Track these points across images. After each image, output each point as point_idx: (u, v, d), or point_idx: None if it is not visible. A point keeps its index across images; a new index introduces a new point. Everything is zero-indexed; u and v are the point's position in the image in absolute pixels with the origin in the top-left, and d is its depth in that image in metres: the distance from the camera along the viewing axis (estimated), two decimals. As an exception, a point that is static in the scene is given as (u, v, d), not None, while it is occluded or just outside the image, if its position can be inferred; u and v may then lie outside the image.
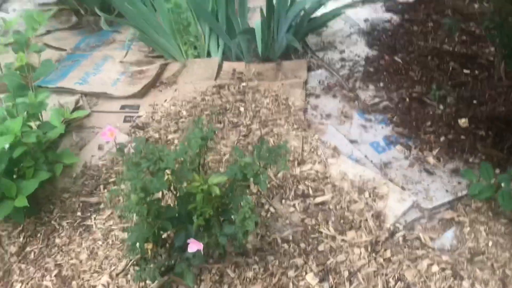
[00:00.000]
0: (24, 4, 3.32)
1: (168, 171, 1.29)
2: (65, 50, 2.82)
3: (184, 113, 2.20)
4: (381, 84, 2.34)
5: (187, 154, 1.34)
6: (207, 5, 2.46)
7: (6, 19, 2.39)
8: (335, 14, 2.61)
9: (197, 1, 2.41)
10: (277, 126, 2.09)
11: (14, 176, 1.77)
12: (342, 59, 2.56)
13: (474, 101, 2.18)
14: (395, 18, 2.85)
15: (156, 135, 2.10)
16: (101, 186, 1.91)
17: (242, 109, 2.20)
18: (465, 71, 2.37)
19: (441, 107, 2.16)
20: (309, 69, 2.51)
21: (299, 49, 2.47)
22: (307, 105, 2.25)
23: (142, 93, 2.39)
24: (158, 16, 2.57)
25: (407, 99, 2.22)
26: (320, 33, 2.79)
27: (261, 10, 2.29)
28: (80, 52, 2.78)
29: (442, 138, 2.00)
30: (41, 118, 1.99)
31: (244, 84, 2.38)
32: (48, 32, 3.01)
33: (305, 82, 2.39)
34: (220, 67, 2.53)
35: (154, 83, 2.48)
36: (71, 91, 2.42)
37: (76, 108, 2.29)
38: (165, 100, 2.34)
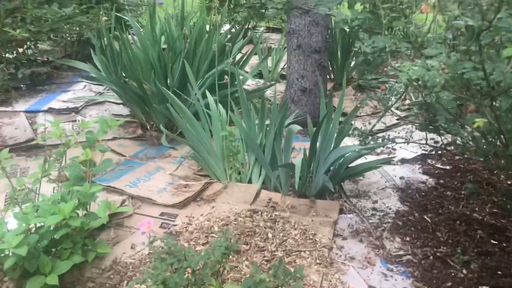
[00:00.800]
0: (100, 111, 3.77)
1: (189, 270, 1.40)
2: (124, 156, 3.13)
3: (216, 228, 2.35)
4: (408, 238, 2.41)
5: (209, 259, 1.46)
6: (257, 138, 2.73)
7: (84, 121, 2.76)
8: (372, 167, 2.81)
9: (248, 133, 2.69)
10: (301, 258, 2.18)
11: (50, 256, 1.93)
12: (374, 209, 2.68)
13: (499, 272, 2.19)
14: (430, 181, 3.00)
15: (186, 244, 2.23)
16: (125, 282, 2.01)
17: (270, 235, 2.32)
18: (493, 241, 2.41)
19: (464, 271, 2.19)
20: (341, 211, 2.64)
21: (333, 192, 2.63)
22: (333, 244, 2.34)
23: (182, 205, 2.58)
24: (212, 140, 2.86)
25: (431, 257, 2.27)
26: (357, 181, 2.97)
27: (305, 150, 2.54)
28: (137, 160, 3.07)
29: (461, 302, 2.00)
30: (88, 208, 2.19)
31: (276, 213, 2.53)
32: (114, 138, 3.37)
33: (335, 223, 2.51)
34: (257, 194, 2.71)
35: (195, 198, 2.68)
36: (120, 192, 2.65)
37: (121, 206, 2.49)
38: (201, 215, 2.50)
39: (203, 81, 3.35)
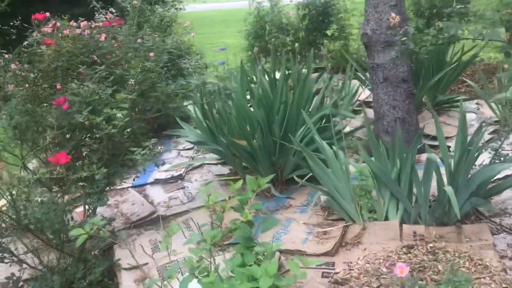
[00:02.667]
0: (203, 174, 3.86)
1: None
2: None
3: (384, 269, 2.34)
4: None
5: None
6: (391, 173, 2.75)
7: (202, 189, 2.81)
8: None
9: (382, 169, 2.71)
10: (484, 285, 2.14)
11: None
12: (523, 224, 2.64)
13: None
14: None
15: (362, 290, 2.22)
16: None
17: (440, 267, 2.30)
18: None
19: None
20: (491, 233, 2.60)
21: (471, 214, 2.62)
22: (505, 266, 2.30)
23: (334, 251, 2.58)
24: (341, 181, 2.89)
25: None
26: (488, 200, 2.94)
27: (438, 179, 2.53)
28: (262, 215, 3.10)
29: None
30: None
31: (431, 245, 2.51)
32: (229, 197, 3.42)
33: (494, 245, 2.47)
34: (400, 229, 2.70)
35: (341, 243, 2.68)
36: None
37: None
38: (358, 258, 2.50)
39: (305, 128, 3.41)
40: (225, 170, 3.92)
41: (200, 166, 4.01)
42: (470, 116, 4.56)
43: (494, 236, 2.58)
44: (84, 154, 2.52)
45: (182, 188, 3.67)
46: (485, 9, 6.72)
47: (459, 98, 4.78)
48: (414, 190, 2.74)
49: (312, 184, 2.97)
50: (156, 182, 3.78)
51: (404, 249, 2.50)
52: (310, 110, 3.59)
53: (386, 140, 3.83)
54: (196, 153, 4.34)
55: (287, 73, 3.72)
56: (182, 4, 7.35)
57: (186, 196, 3.53)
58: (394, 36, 3.63)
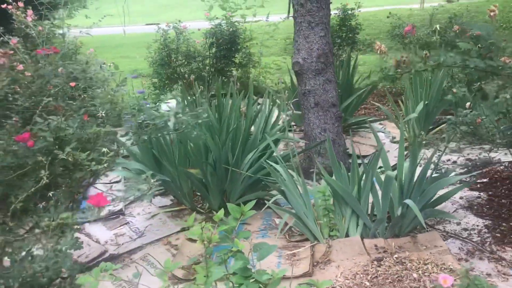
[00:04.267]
0: (145, 207, 3.69)
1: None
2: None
3: (367, 283, 2.47)
4: (514, 246, 2.74)
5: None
6: (352, 191, 2.93)
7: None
8: (451, 193, 3.07)
9: (344, 188, 2.88)
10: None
11: None
12: (465, 229, 2.99)
13: None
14: (483, 195, 3.41)
15: (353, 305, 2.33)
16: None
17: (415, 275, 2.50)
18: None
19: None
20: (440, 239, 2.91)
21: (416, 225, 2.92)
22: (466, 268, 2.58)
23: (311, 272, 2.66)
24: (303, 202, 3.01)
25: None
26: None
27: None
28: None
29: None
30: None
31: (396, 256, 2.72)
32: (183, 229, 3.33)
33: (449, 250, 2.76)
34: (363, 244, 2.88)
35: (313, 263, 2.77)
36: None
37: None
38: (336, 276, 2.60)
39: (255, 153, 3.48)
40: (166, 201, 3.80)
41: (139, 198, 3.83)
42: (380, 135, 5.02)
43: (445, 242, 2.88)
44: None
45: (126, 224, 3.47)
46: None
47: (366, 119, 5.27)
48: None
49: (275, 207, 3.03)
50: (97, 220, 3.52)
51: (375, 262, 2.67)
52: (251, 135, 3.67)
53: (320, 161, 4.06)
54: (125, 185, 4.13)
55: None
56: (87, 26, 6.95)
57: (134, 232, 3.34)
58: (324, 64, 3.91)
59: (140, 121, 2.74)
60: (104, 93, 2.78)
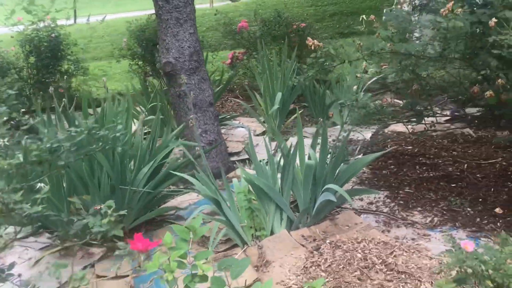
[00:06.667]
0: (22, 253, 3.00)
1: None
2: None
3: (323, 274, 2.44)
4: (419, 209, 3.05)
5: None
6: (275, 185, 2.87)
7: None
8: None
9: (268, 184, 2.80)
10: (405, 256, 2.54)
11: None
12: (370, 203, 3.21)
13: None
14: (366, 170, 3.71)
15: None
16: None
17: (359, 255, 2.57)
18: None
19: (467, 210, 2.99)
20: (358, 216, 3.07)
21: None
22: (393, 237, 2.77)
23: (260, 276, 2.52)
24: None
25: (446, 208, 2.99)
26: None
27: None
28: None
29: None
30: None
31: (328, 241, 2.76)
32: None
33: (369, 225, 2.92)
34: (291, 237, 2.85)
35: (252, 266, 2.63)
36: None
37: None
38: (285, 275, 2.51)
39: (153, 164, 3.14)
40: (43, 239, 3.15)
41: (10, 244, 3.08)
42: (242, 131, 5.06)
43: (361, 216, 3.05)
44: None
45: (5, 280, 2.75)
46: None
47: (225, 116, 5.27)
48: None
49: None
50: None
51: (315, 252, 2.66)
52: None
53: (205, 163, 3.88)
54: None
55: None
56: None
57: (16, 286, 2.67)
58: (197, 62, 3.75)
59: None
60: None
